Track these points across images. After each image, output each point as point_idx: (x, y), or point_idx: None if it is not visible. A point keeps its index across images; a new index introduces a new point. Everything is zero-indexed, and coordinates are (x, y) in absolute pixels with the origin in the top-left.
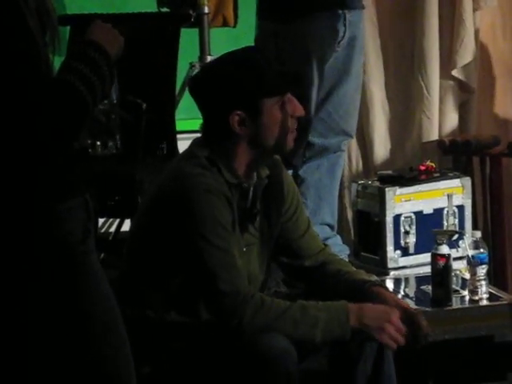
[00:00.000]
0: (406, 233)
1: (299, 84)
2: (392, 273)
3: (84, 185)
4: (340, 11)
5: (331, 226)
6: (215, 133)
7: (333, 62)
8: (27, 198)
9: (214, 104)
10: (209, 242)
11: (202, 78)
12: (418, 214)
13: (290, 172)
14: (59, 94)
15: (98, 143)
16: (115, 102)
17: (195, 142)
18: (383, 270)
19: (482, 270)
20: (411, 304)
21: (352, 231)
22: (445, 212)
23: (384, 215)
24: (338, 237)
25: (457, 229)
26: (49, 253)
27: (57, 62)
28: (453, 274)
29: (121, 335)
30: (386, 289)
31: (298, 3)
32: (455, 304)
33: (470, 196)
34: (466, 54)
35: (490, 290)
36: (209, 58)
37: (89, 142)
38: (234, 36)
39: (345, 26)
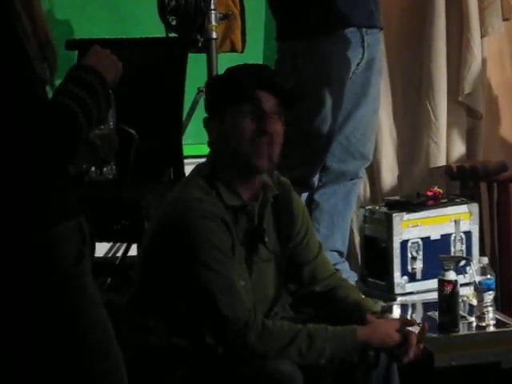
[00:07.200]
0: (413, 258)
1: (293, 104)
2: (399, 299)
3: (78, 208)
4: (358, 33)
5: (341, 253)
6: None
7: (351, 84)
8: (19, 221)
9: None
10: (207, 267)
11: None
12: (425, 239)
13: (306, 195)
14: (53, 116)
15: (93, 169)
16: (112, 127)
17: (198, 166)
18: (390, 296)
19: (489, 296)
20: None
21: (359, 256)
22: (452, 238)
23: (391, 241)
24: (346, 263)
25: (464, 255)
26: (42, 275)
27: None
28: (460, 300)
29: (114, 357)
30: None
31: (316, 22)
32: (462, 330)
33: (478, 222)
34: (474, 80)
35: (497, 317)
36: None
37: (84, 167)
38: (242, 61)
39: (363, 47)
